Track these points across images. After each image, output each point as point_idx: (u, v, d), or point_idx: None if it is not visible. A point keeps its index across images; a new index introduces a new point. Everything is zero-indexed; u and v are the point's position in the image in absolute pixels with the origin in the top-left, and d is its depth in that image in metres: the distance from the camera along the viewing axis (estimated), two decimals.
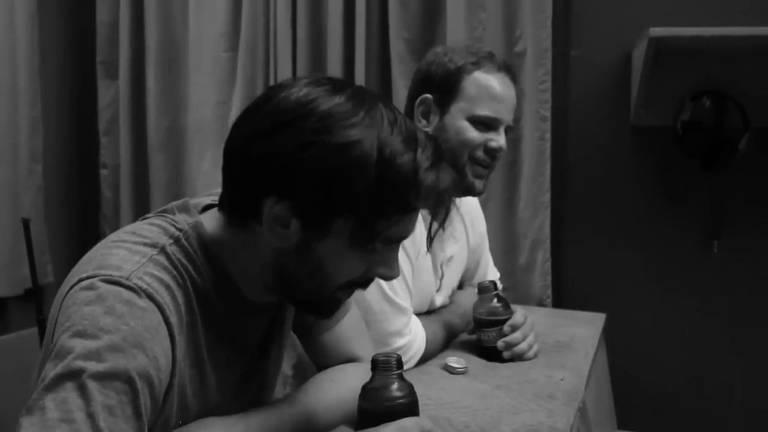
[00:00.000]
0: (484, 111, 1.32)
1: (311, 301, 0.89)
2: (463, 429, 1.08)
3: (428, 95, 1.35)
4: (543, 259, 2.05)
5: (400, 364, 0.90)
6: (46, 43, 2.46)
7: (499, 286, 1.67)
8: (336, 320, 1.06)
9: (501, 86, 1.33)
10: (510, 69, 1.37)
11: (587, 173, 2.13)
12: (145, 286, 0.77)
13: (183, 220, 0.87)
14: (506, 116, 1.35)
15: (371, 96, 0.83)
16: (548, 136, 2.01)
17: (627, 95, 2.04)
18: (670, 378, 2.10)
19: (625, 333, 2.06)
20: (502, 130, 1.35)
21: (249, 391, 0.98)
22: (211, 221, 0.87)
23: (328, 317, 0.97)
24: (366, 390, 0.90)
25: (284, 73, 2.25)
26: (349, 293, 0.91)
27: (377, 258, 0.85)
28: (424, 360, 1.36)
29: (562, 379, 1.29)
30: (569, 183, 2.15)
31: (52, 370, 0.71)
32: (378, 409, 0.89)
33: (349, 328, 1.08)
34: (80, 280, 0.77)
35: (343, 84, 0.83)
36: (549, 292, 2.05)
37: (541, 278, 2.05)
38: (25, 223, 2.05)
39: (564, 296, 2.14)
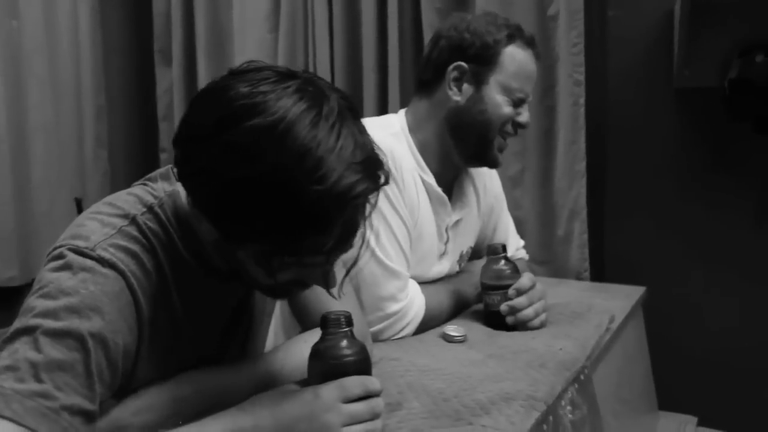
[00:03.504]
0: (520, 87, 1.34)
1: (257, 288, 0.89)
2: (436, 395, 1.04)
3: (463, 63, 1.33)
4: (580, 230, 1.95)
5: (349, 321, 0.87)
6: (108, 34, 2.59)
7: (523, 253, 1.63)
8: None
9: (532, 63, 1.36)
10: (536, 44, 1.39)
11: (627, 141, 2.01)
12: (108, 256, 0.80)
13: (161, 187, 0.90)
14: (531, 92, 1.39)
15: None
16: (582, 101, 1.90)
17: (669, 57, 1.90)
18: (720, 358, 1.94)
19: (670, 309, 1.94)
20: (527, 106, 1.37)
21: (231, 350, 0.99)
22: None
23: (279, 299, 0.97)
24: (315, 349, 0.88)
25: (322, 48, 2.26)
26: (296, 287, 0.89)
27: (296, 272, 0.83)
28: (426, 328, 1.33)
29: (560, 349, 1.22)
30: (608, 151, 2.03)
31: (13, 327, 0.75)
32: (325, 367, 0.86)
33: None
34: (54, 249, 0.82)
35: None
36: (586, 265, 1.94)
37: (578, 251, 1.95)
38: (78, 203, 2.16)
39: (607, 270, 2.03)
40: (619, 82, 2.00)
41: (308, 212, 0.74)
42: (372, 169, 0.78)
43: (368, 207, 0.80)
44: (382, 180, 0.80)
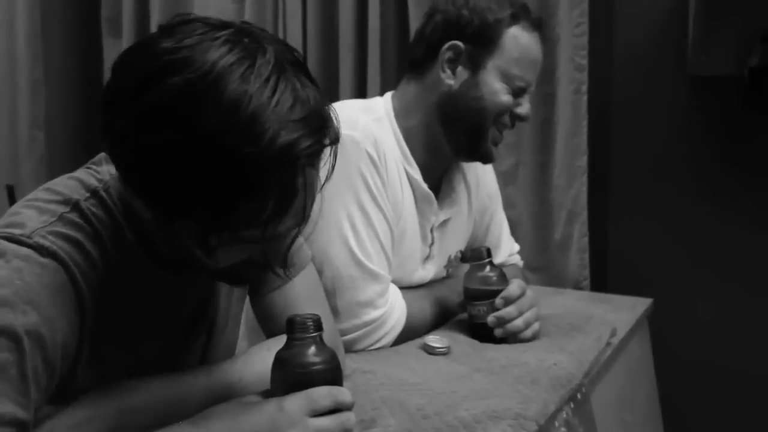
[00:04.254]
0: (521, 74, 1.34)
1: (205, 273, 0.88)
2: (414, 412, 1.05)
3: (459, 43, 1.34)
4: (580, 233, 1.96)
5: (318, 325, 0.87)
6: (48, 2, 2.55)
7: (517, 259, 1.64)
8: (286, 278, 1.04)
9: (537, 48, 1.37)
10: (543, 26, 1.40)
11: (634, 134, 2.02)
12: (47, 244, 0.79)
13: (106, 170, 0.90)
14: (534, 81, 1.40)
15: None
16: (585, 88, 1.92)
17: (683, 40, 1.91)
18: (734, 379, 1.97)
19: (678, 324, 1.96)
20: (528, 96, 1.38)
21: (192, 353, 0.99)
22: None
23: (237, 285, 0.97)
24: (279, 356, 0.88)
25: (294, 23, 2.25)
26: (249, 270, 0.87)
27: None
28: (406, 338, 1.34)
29: (554, 364, 1.23)
30: (612, 145, 2.05)
31: None
32: (290, 376, 0.87)
33: (301, 289, 1.06)
34: None
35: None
36: (586, 272, 1.96)
37: (577, 256, 1.96)
38: (10, 190, 2.14)
39: (610, 279, 2.05)
40: (627, 68, 2.01)
41: (239, 177, 0.73)
42: (315, 125, 0.77)
43: (314, 173, 0.79)
44: (328, 140, 0.79)
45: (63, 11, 2.65)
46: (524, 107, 1.37)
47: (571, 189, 1.97)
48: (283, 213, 0.78)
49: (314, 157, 0.78)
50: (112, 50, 2.61)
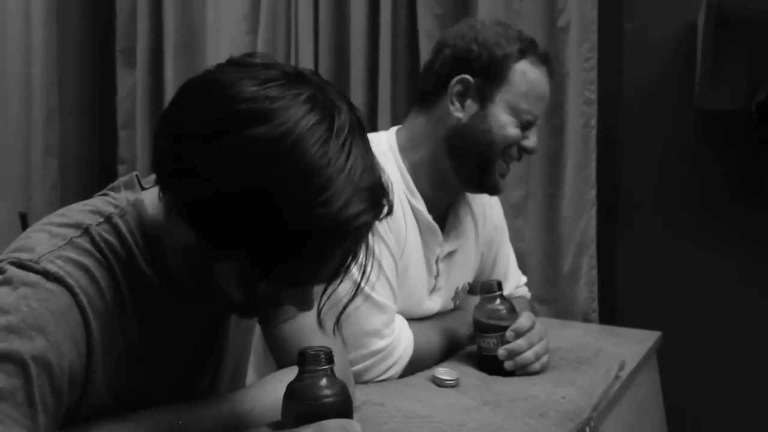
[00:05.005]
0: (529, 108, 1.37)
1: (227, 306, 0.89)
2: None
3: (468, 77, 1.36)
4: (588, 266, 1.97)
5: (330, 358, 0.88)
6: (65, 31, 2.60)
7: (524, 291, 1.66)
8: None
9: (544, 83, 1.40)
10: (550, 61, 1.43)
11: (642, 167, 2.04)
12: (54, 269, 0.80)
13: (124, 197, 0.90)
14: (542, 114, 1.44)
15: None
16: (594, 122, 1.94)
17: (691, 74, 1.94)
18: (745, 414, 1.96)
19: (688, 357, 1.96)
20: (535, 129, 1.40)
21: (199, 381, 0.99)
22: (155, 198, 0.88)
23: (247, 318, 0.98)
24: (291, 387, 0.89)
25: (305, 55, 2.28)
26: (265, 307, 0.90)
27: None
28: (414, 370, 1.35)
29: (563, 397, 1.24)
30: (621, 179, 2.06)
31: None
32: (301, 408, 0.88)
33: (312, 321, 1.03)
34: None
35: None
36: (595, 305, 1.97)
37: (586, 289, 1.97)
38: (22, 218, 2.17)
39: (618, 311, 2.05)
40: (635, 102, 2.03)
41: (304, 236, 0.74)
42: (379, 196, 0.79)
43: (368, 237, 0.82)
44: (386, 210, 0.81)
45: (79, 41, 2.70)
46: (531, 140, 1.40)
47: (580, 221, 1.98)
48: (339, 273, 0.80)
49: (371, 226, 0.80)
50: (125, 80, 2.66)
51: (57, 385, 0.78)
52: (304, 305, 0.86)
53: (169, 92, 2.52)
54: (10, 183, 2.42)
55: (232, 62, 0.82)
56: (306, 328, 1.05)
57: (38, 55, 2.48)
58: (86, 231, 0.85)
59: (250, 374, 1.34)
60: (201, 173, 0.75)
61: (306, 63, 2.29)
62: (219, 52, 2.43)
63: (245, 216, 0.74)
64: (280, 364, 1.05)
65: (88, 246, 0.84)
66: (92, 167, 2.75)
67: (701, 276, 2.00)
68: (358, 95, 2.22)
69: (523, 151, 1.40)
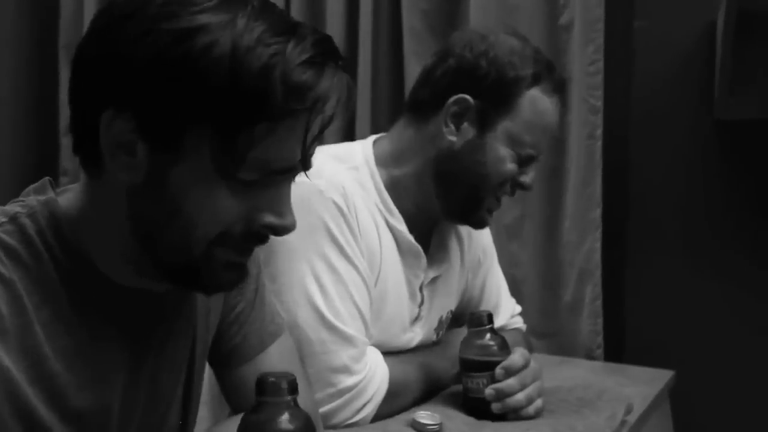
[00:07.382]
0: (533, 142, 1.35)
1: (181, 266, 0.86)
2: None
3: (469, 98, 1.32)
4: (592, 296, 1.93)
5: (293, 387, 0.83)
6: None
7: (519, 321, 1.63)
8: (259, 347, 1.05)
9: (553, 115, 1.38)
10: (564, 89, 1.43)
11: (654, 184, 2.02)
12: None
13: (34, 199, 0.89)
14: (545, 150, 1.43)
15: None
16: (599, 133, 1.90)
17: (710, 79, 1.91)
18: None
19: (704, 400, 1.92)
20: (534, 165, 1.39)
21: (136, 410, 0.94)
22: (71, 195, 0.91)
23: (209, 292, 0.94)
24: (246, 421, 0.83)
25: None
26: (234, 255, 0.87)
27: (256, 195, 0.83)
28: (389, 410, 1.32)
29: None
30: (630, 197, 2.04)
31: None
32: None
33: (278, 359, 1.06)
34: None
35: None
36: (599, 340, 1.93)
37: (589, 321, 1.93)
38: None
39: (627, 347, 2.02)
40: (646, 111, 2.02)
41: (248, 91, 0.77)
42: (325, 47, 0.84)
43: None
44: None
45: (15, 36, 2.67)
46: (529, 176, 1.37)
47: (583, 245, 1.95)
48: (307, 165, 0.84)
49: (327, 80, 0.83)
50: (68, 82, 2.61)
51: None
52: (282, 209, 0.85)
53: None
54: None
55: None
56: (268, 368, 1.03)
57: None
58: None
59: (205, 414, 1.30)
60: (125, 55, 0.78)
61: None
62: None
63: (187, 78, 0.77)
64: (237, 410, 1.04)
65: None
66: (29, 179, 2.66)
67: (720, 309, 1.97)
68: None
69: (519, 186, 1.38)
